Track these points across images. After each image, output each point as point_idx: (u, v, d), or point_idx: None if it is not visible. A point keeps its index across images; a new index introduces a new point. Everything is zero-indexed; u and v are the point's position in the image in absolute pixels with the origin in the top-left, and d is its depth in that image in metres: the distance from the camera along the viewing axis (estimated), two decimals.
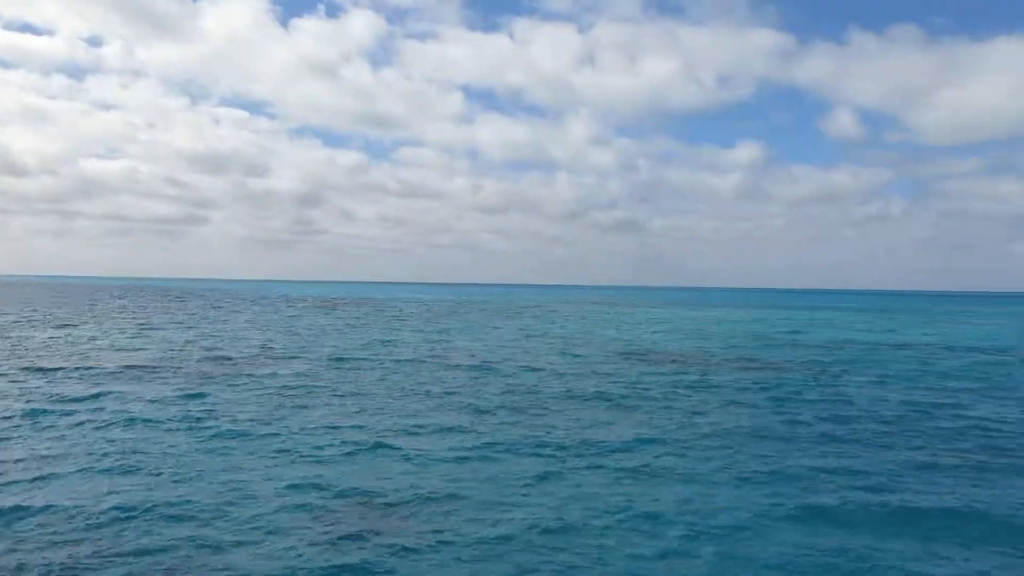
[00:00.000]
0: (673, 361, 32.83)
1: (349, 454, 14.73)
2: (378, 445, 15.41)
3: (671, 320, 70.94)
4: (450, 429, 17.28)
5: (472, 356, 33.32)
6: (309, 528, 10.58)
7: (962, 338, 50.89)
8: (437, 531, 10.53)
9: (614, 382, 25.49)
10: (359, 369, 27.81)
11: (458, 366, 29.43)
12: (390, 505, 11.67)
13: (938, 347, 42.91)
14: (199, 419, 17.76)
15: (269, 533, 10.34)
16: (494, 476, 13.36)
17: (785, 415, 19.55)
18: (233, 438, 15.89)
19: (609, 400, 21.64)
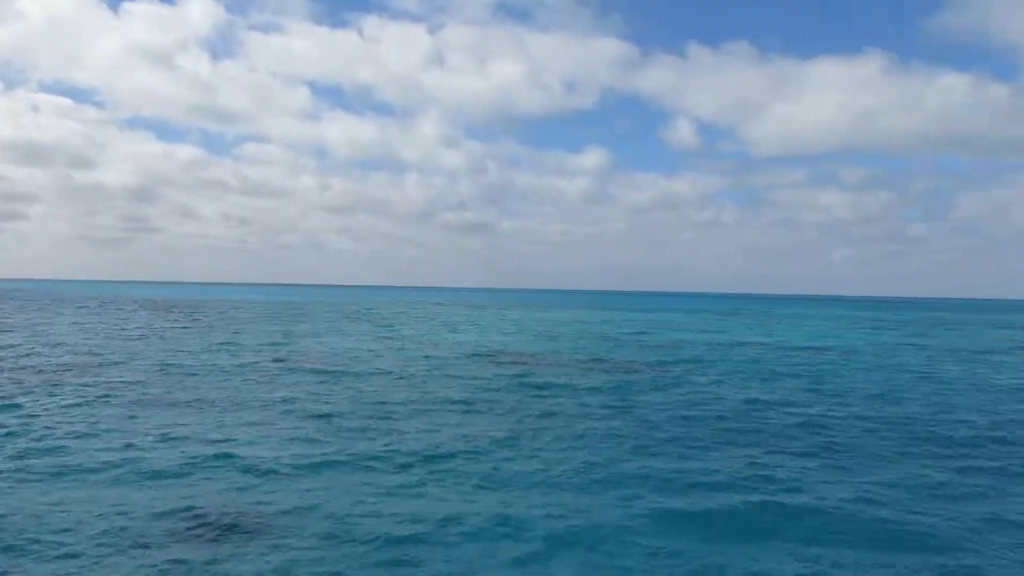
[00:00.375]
0: (524, 363, 33.02)
1: (184, 468, 13.67)
2: (218, 457, 14.42)
3: (521, 321, 71.76)
4: (296, 438, 16.45)
5: (319, 360, 32.22)
6: (138, 555, 9.63)
7: (791, 338, 54.26)
8: (283, 550, 9.85)
9: (466, 385, 25.28)
10: (197, 375, 26.20)
11: (304, 371, 28.33)
12: (231, 524, 10.84)
13: (771, 347, 45.50)
14: (10, 433, 16.04)
15: (90, 563, 9.33)
16: (344, 488, 12.75)
17: (634, 416, 19.94)
18: (50, 454, 14.43)
19: (461, 404, 21.37)
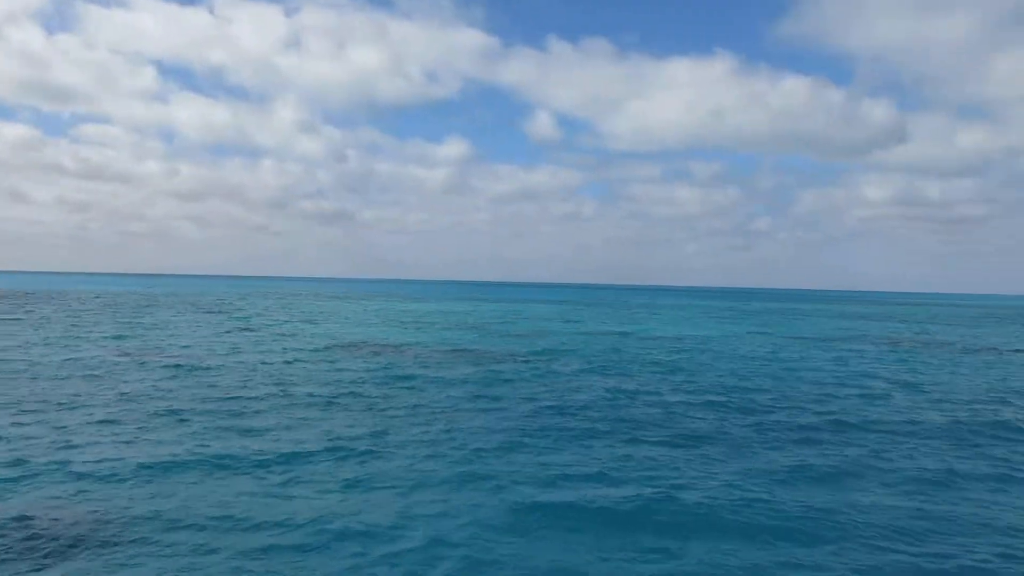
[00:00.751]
0: (388, 355, 32.41)
1: (13, 474, 12.42)
2: (53, 462, 13.21)
3: (384, 312, 70.71)
4: (143, 439, 15.34)
5: (169, 354, 30.43)
6: None
7: (649, 328, 56.04)
8: (132, 566, 9.07)
9: (327, 379, 24.49)
10: (29, 371, 24.12)
11: (153, 366, 26.64)
12: (71, 537, 9.89)
13: (630, 336, 46.77)
14: None
15: None
16: (197, 492, 11.95)
17: (501, 408, 19.87)
18: None
19: (323, 398, 20.64)
